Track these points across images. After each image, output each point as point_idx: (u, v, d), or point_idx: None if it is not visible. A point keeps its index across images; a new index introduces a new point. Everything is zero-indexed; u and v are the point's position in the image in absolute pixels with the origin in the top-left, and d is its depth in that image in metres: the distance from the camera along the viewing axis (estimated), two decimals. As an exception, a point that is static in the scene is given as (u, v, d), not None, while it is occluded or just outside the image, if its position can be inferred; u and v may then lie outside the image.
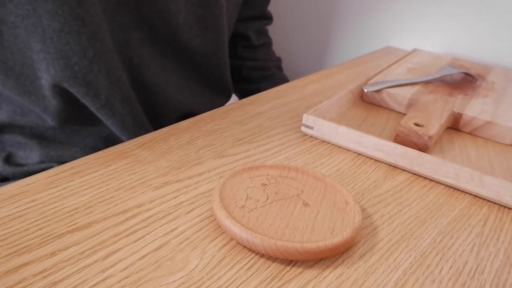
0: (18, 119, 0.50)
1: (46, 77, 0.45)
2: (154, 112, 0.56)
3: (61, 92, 0.46)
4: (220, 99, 0.66)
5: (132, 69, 0.51)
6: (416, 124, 0.44)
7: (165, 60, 0.55)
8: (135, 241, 0.29)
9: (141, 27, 0.50)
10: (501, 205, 0.37)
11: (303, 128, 0.45)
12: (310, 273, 0.28)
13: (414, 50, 0.75)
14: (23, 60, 0.44)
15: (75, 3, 0.42)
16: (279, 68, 0.79)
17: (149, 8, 0.49)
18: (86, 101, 0.47)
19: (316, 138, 0.45)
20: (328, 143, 0.45)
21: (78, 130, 0.53)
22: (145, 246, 0.28)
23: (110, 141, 0.53)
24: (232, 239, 0.30)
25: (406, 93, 0.53)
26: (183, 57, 0.57)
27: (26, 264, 0.26)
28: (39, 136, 0.52)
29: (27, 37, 0.43)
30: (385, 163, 0.42)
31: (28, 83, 0.46)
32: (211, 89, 0.63)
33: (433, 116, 0.47)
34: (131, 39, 0.50)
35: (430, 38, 0.83)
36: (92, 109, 0.48)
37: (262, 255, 0.29)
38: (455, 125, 0.50)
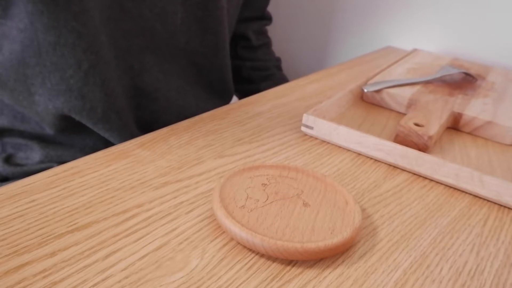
0: (18, 125, 0.51)
1: (41, 92, 0.45)
2: (156, 119, 0.56)
3: (57, 109, 0.46)
4: (222, 103, 0.66)
5: (133, 76, 0.51)
6: (416, 124, 0.44)
7: (166, 65, 0.55)
8: (135, 241, 0.29)
9: (143, 33, 0.50)
10: (501, 205, 0.37)
11: (303, 128, 0.45)
12: (310, 273, 0.28)
13: (414, 50, 0.75)
14: (16, 77, 0.45)
15: (71, 16, 0.42)
16: (279, 68, 0.79)
17: (149, 11, 0.49)
18: (83, 116, 0.47)
19: (316, 138, 0.45)
20: (328, 143, 0.45)
21: (78, 133, 0.53)
22: (145, 246, 0.28)
23: (109, 142, 0.53)
24: (232, 239, 0.30)
25: (406, 93, 0.53)
26: (184, 60, 0.57)
27: (26, 264, 0.26)
28: (39, 137, 0.52)
29: (21, 52, 0.43)
30: (385, 163, 0.42)
31: (21, 98, 0.46)
32: (214, 93, 0.63)
33: (433, 116, 0.47)
34: (133, 46, 0.50)
35: (430, 38, 0.83)
36: (89, 125, 0.48)
37: (262, 255, 0.29)
38: (455, 125, 0.50)
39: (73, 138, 0.52)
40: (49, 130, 0.50)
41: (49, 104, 0.46)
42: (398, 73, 0.61)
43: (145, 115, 0.54)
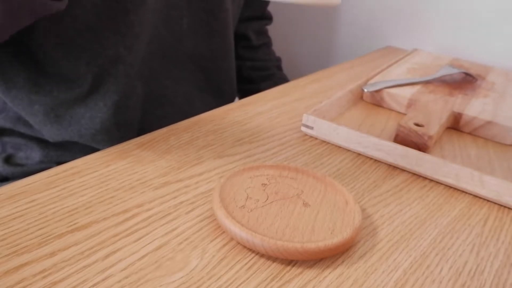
0: (20, 127, 0.51)
1: (45, 101, 0.46)
2: (159, 124, 0.56)
3: (56, 119, 0.47)
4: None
5: (140, 84, 0.51)
6: (416, 124, 0.44)
7: (174, 71, 0.55)
8: (135, 241, 0.29)
9: (149, 40, 0.50)
10: (501, 205, 0.37)
11: (303, 128, 0.45)
12: (310, 273, 0.28)
13: (414, 50, 0.75)
14: (21, 86, 0.46)
15: (75, 33, 0.43)
16: (279, 68, 0.79)
17: (157, 18, 0.49)
18: (81, 124, 0.47)
19: (316, 138, 0.45)
20: (328, 143, 0.45)
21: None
22: (145, 246, 0.28)
23: None
24: (232, 239, 0.30)
25: (406, 93, 0.53)
26: (192, 65, 0.57)
27: (26, 264, 0.26)
28: (39, 137, 0.52)
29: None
30: (385, 163, 0.42)
31: (20, 108, 0.46)
32: (221, 96, 0.63)
33: (433, 116, 0.47)
34: (140, 54, 0.50)
35: (430, 38, 0.83)
36: (86, 138, 0.48)
37: (262, 255, 0.29)
38: (455, 125, 0.50)
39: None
40: (48, 138, 0.50)
41: (50, 113, 0.46)
42: (398, 73, 0.61)
43: (149, 121, 0.54)
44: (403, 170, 0.41)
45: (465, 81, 0.60)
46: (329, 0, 0.28)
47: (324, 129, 0.44)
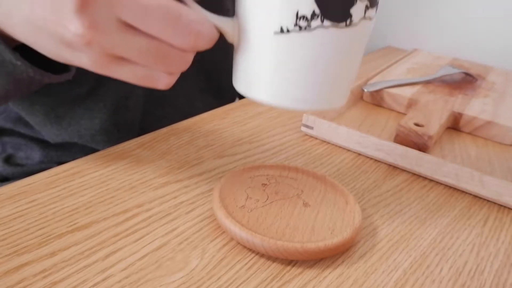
0: (20, 127, 0.51)
1: (45, 101, 0.45)
2: (161, 124, 0.56)
3: (56, 120, 0.47)
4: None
5: (140, 85, 0.51)
6: (416, 124, 0.44)
7: None
8: (135, 241, 0.29)
9: None
10: (501, 205, 0.37)
11: (303, 128, 0.45)
12: (310, 273, 0.28)
13: (414, 50, 0.75)
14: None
15: None
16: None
17: None
18: (81, 125, 0.47)
19: (316, 138, 0.45)
20: (328, 143, 0.45)
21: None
22: (145, 246, 0.28)
23: None
24: (232, 239, 0.30)
25: (406, 93, 0.53)
26: (193, 66, 0.57)
27: (26, 264, 0.26)
28: (39, 137, 0.52)
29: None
30: (385, 163, 0.42)
31: (21, 108, 0.46)
32: (222, 97, 0.63)
33: (433, 116, 0.47)
34: None
35: (430, 38, 0.83)
36: (87, 137, 0.48)
37: (262, 255, 0.29)
38: (455, 125, 0.50)
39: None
40: (48, 139, 0.50)
41: (51, 113, 0.46)
42: (398, 73, 0.61)
43: (149, 121, 0.54)
44: (403, 170, 0.41)
45: (465, 81, 0.60)
46: (330, 105, 0.29)
47: (324, 129, 0.44)
